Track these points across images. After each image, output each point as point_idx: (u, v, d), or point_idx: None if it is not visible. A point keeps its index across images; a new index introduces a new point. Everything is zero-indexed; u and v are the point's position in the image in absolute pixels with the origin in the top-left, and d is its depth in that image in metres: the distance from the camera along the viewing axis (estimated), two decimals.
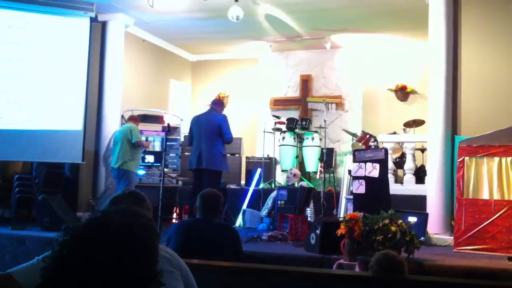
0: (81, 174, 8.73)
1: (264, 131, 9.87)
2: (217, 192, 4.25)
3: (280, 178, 9.75)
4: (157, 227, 1.81)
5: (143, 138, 8.28)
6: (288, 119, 9.89)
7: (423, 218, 5.98)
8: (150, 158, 8.85)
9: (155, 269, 1.29)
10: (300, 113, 10.74)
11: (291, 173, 8.40)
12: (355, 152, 6.57)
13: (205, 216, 4.06)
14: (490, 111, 6.81)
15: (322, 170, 9.06)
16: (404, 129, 9.20)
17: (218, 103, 7.77)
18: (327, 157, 9.29)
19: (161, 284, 1.29)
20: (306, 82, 10.94)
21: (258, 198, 8.38)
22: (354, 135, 8.60)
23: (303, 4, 8.29)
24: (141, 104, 9.76)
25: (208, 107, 7.69)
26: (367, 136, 7.61)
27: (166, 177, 7.42)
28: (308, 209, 7.39)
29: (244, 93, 11.31)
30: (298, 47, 10.82)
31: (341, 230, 4.70)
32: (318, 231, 5.23)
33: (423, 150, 8.55)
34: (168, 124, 7.45)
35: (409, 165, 7.96)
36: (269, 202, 7.87)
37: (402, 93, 10.38)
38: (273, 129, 9.86)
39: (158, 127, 9.53)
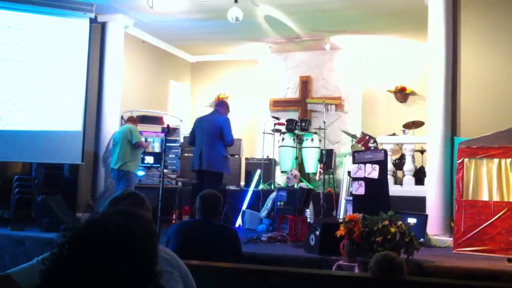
0: (80, 175, 8.72)
1: (264, 132, 9.84)
2: (217, 193, 4.25)
3: (280, 179, 9.74)
4: (156, 228, 1.81)
5: (143, 139, 8.28)
6: (287, 120, 9.90)
7: (423, 219, 5.97)
8: (149, 159, 8.84)
9: (155, 270, 1.29)
10: (299, 114, 10.74)
11: (291, 174, 8.41)
12: (355, 153, 6.58)
13: (204, 217, 4.06)
14: (490, 112, 6.80)
15: (322, 171, 9.08)
16: (403, 131, 9.20)
17: (222, 105, 7.73)
18: (327, 158, 9.29)
19: (161, 285, 1.29)
20: (305, 83, 10.93)
21: (258, 199, 8.38)
22: (353, 136, 8.59)
23: (302, 5, 8.29)
24: (140, 105, 9.75)
25: (209, 108, 7.69)
26: (367, 137, 7.62)
27: (165, 178, 7.41)
28: (307, 210, 7.40)
29: (243, 94, 11.30)
30: (298, 48, 10.82)
31: (341, 231, 4.70)
32: (317, 232, 5.23)
33: (422, 151, 8.55)
34: (168, 125, 7.43)
35: (408, 166, 7.97)
36: (268, 203, 7.87)
37: (402, 94, 10.39)
38: (272, 130, 9.85)
39: (158, 128, 9.53)
